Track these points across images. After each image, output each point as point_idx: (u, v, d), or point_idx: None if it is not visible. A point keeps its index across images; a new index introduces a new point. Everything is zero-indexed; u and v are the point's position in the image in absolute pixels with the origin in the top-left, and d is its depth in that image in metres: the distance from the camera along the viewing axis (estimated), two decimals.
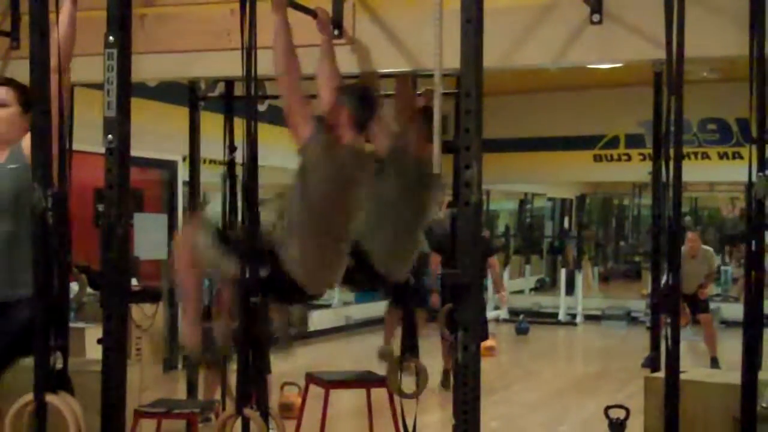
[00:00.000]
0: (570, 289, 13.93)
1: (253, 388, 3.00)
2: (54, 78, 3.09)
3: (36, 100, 2.78)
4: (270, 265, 3.27)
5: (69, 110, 3.50)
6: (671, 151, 3.26)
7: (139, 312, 7.84)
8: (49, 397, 2.70)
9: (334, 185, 3.30)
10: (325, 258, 3.38)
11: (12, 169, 3.31)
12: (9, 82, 3.54)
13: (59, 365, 2.73)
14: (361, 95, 3.40)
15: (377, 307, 13.00)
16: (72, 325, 4.81)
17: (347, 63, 3.79)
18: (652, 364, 5.02)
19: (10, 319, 3.19)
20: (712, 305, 12.09)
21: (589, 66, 5.62)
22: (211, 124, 5.51)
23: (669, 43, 3.17)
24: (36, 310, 2.75)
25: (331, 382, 5.02)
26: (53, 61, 2.89)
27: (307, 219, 3.28)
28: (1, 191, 3.31)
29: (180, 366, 8.69)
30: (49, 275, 2.75)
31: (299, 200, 3.28)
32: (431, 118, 3.27)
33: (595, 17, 3.46)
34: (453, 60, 2.63)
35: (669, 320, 3.32)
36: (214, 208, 9.94)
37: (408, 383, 4.18)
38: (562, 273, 14.30)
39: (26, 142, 3.21)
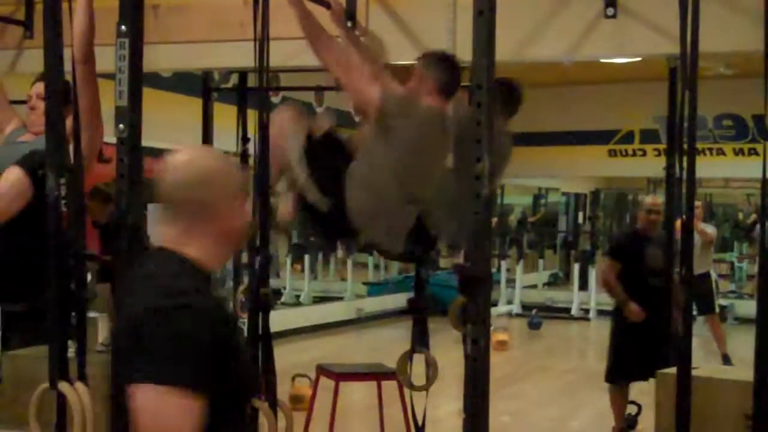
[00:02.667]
0: (583, 283, 13.90)
1: (261, 379, 3.00)
2: (78, 68, 3.12)
3: (48, 89, 2.79)
4: (335, 204, 3.39)
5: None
6: (686, 147, 3.24)
7: None
8: (61, 386, 2.72)
9: (419, 142, 3.37)
10: (389, 212, 3.44)
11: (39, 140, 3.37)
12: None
13: (71, 354, 2.76)
14: (448, 63, 3.42)
15: (389, 300, 13.03)
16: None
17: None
18: (665, 360, 5.00)
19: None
20: (726, 302, 12.06)
21: (603, 60, 5.60)
22: (224, 115, 5.51)
23: (684, 37, 3.15)
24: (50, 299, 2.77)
25: (341, 375, 5.03)
26: (75, 53, 2.93)
27: (385, 172, 3.36)
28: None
29: None
30: (64, 263, 2.76)
31: (379, 155, 3.37)
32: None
33: (610, 11, 3.44)
34: (466, 53, 2.62)
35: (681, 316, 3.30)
36: None
37: (419, 376, 4.18)
38: (576, 267, 14.27)
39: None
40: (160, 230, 1.97)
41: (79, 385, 2.75)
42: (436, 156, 3.47)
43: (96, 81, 3.41)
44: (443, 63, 3.43)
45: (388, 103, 3.32)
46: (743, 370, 3.82)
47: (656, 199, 6.42)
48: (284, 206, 3.64)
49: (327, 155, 3.52)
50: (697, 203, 6.09)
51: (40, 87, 3.63)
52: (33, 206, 3.44)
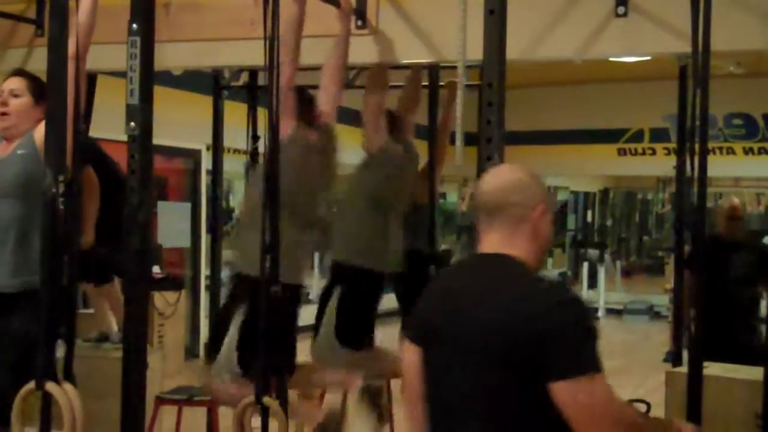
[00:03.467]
0: (592, 282, 13.87)
1: (272, 376, 3.01)
2: (73, 65, 3.11)
3: (52, 85, 2.80)
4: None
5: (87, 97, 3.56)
6: (696, 146, 3.23)
7: (162, 300, 7.88)
8: (49, 386, 2.73)
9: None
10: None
11: (20, 154, 3.33)
12: (21, 73, 3.57)
13: (60, 354, 2.76)
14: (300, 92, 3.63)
15: (393, 300, 13.01)
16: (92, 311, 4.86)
17: (370, 53, 3.78)
18: (673, 358, 4.99)
19: (8, 325, 3.17)
20: None
21: (613, 59, 5.58)
22: (235, 113, 5.52)
23: (695, 36, 3.14)
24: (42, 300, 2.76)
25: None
26: (71, 49, 2.91)
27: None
28: (9, 176, 3.32)
29: (202, 354, 8.74)
30: (57, 262, 2.76)
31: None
32: None
33: (620, 10, 3.43)
34: (477, 52, 2.62)
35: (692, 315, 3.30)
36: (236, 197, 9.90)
37: None
38: (585, 266, 14.24)
39: (39, 131, 3.24)
40: (484, 237, 2.09)
41: (67, 385, 2.76)
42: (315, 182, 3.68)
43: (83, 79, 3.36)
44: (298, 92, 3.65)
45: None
46: (753, 370, 3.81)
47: (736, 201, 5.81)
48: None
49: None
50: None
51: (14, 82, 3.49)
52: None
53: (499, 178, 2.12)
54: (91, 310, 4.92)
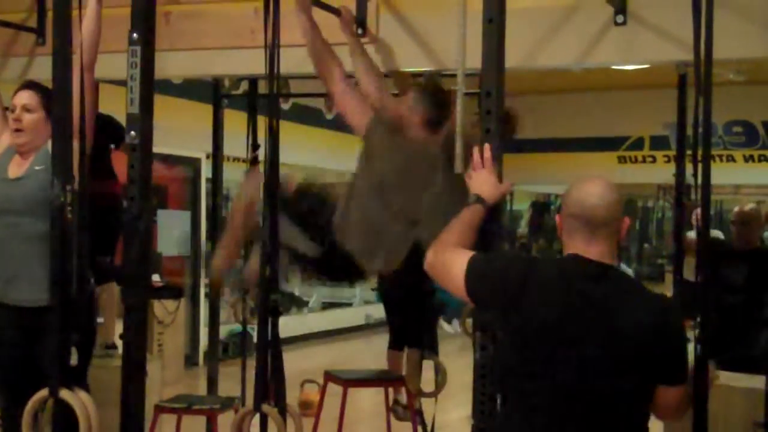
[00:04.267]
0: None
1: (271, 384, 3.01)
2: (87, 76, 3.11)
3: (57, 95, 2.80)
4: (326, 242, 3.45)
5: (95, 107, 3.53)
6: (699, 153, 3.22)
7: (161, 308, 7.88)
8: (63, 393, 2.72)
9: (399, 172, 3.44)
10: (383, 237, 3.47)
11: (38, 170, 3.34)
12: (32, 86, 3.53)
13: (74, 362, 2.76)
14: (438, 98, 3.49)
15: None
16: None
17: None
18: None
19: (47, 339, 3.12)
20: None
21: (613, 67, 5.58)
22: (235, 121, 5.52)
23: (697, 44, 3.14)
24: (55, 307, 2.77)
25: (349, 381, 5.02)
26: (84, 58, 2.92)
27: (370, 198, 3.43)
28: (29, 193, 3.33)
29: (201, 362, 8.73)
30: (67, 271, 2.77)
31: (364, 181, 3.46)
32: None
33: (619, 18, 3.43)
34: (476, 60, 2.62)
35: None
36: None
37: (427, 382, 4.19)
38: None
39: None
40: (585, 246, 2.30)
41: (80, 392, 2.76)
42: (419, 182, 3.50)
43: (94, 90, 3.36)
44: (434, 98, 3.51)
45: (372, 132, 3.43)
46: (755, 378, 3.81)
47: (749, 206, 5.48)
48: (253, 261, 3.59)
49: (302, 207, 3.57)
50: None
51: (26, 97, 3.46)
52: None
53: (608, 194, 2.31)
54: (101, 319, 4.92)
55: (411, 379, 4.22)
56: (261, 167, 3.72)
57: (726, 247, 5.60)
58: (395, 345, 4.99)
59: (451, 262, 2.36)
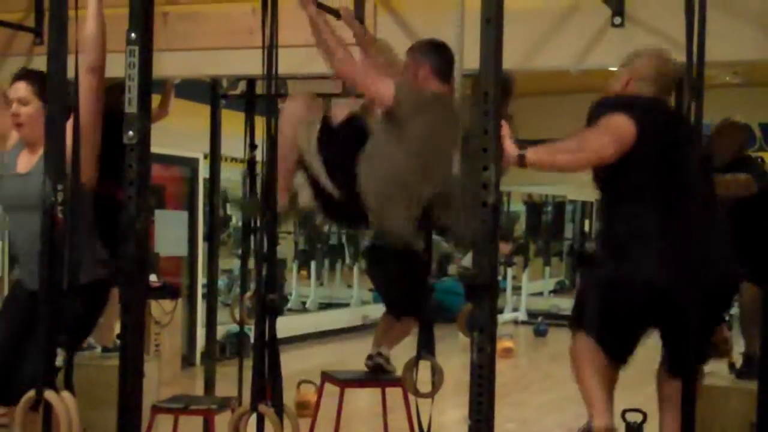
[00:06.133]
0: None
1: (268, 384, 3.01)
2: (88, 78, 3.12)
3: (52, 95, 2.81)
4: (345, 189, 3.50)
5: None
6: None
7: (159, 308, 7.88)
8: (48, 395, 2.73)
9: (433, 130, 3.45)
10: (404, 201, 3.50)
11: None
12: (27, 76, 3.51)
13: (60, 363, 2.77)
14: (440, 47, 3.51)
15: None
16: None
17: None
18: None
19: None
20: (733, 311, 11.99)
21: (611, 69, 5.58)
22: (233, 122, 5.53)
23: (689, 46, 3.15)
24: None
25: (346, 381, 5.03)
26: (86, 59, 2.92)
27: (401, 163, 3.45)
28: (37, 189, 3.33)
29: (198, 362, 8.73)
30: (56, 271, 2.77)
31: (395, 144, 3.45)
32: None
33: (617, 20, 3.45)
34: (474, 61, 2.63)
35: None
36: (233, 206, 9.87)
37: (424, 383, 4.19)
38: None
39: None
40: None
41: (65, 394, 2.76)
42: (448, 143, 3.51)
43: (100, 95, 3.35)
44: (436, 48, 3.52)
45: (402, 97, 3.40)
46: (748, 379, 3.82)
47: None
48: (304, 194, 3.69)
49: (343, 143, 3.59)
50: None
51: (20, 89, 3.45)
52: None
53: None
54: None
55: (406, 378, 4.21)
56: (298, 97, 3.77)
57: None
58: (390, 312, 5.04)
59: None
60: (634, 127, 3.15)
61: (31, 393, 2.75)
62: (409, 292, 4.46)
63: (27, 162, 3.48)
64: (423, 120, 3.42)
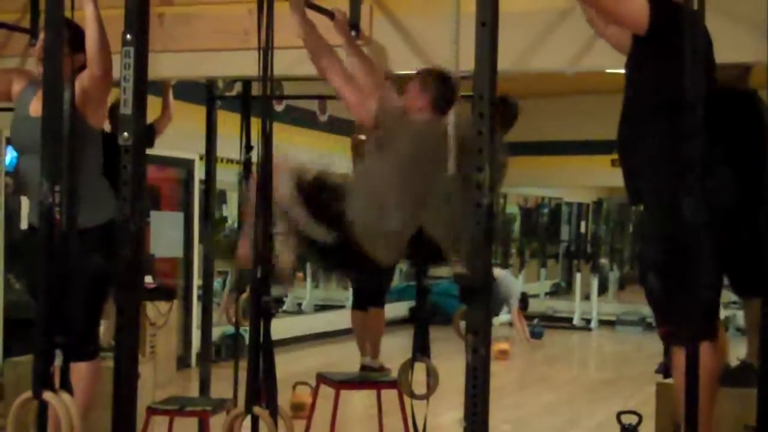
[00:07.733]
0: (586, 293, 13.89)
1: (263, 386, 3.00)
2: (92, 81, 3.13)
3: (47, 94, 2.80)
4: (338, 235, 3.45)
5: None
6: None
7: (154, 310, 7.87)
8: (46, 395, 2.72)
9: (413, 155, 3.44)
10: (395, 226, 3.47)
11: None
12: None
13: (58, 363, 2.76)
14: (443, 82, 3.51)
15: (390, 309, 13.01)
16: None
17: None
18: (665, 370, 5.00)
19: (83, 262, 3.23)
20: (728, 312, 12.03)
21: (606, 71, 5.59)
22: (228, 123, 5.53)
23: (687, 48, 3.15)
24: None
25: (342, 383, 5.03)
26: (91, 69, 2.92)
27: (385, 180, 3.44)
28: None
29: (193, 364, 8.73)
30: (54, 274, 2.76)
31: (378, 167, 3.47)
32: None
33: None
34: (469, 63, 2.63)
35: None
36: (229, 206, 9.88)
37: (419, 384, 4.18)
38: (578, 277, 14.25)
39: (79, 79, 3.30)
40: None
41: (63, 393, 2.75)
42: (432, 166, 3.49)
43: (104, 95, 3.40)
44: (439, 82, 3.52)
45: (382, 118, 3.43)
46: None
47: None
48: (285, 253, 3.62)
49: (319, 194, 3.58)
50: None
51: None
52: None
53: None
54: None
55: (402, 379, 4.21)
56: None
57: None
58: (357, 306, 5.03)
59: None
60: None
61: (28, 394, 2.74)
62: (372, 280, 4.52)
63: (40, 106, 3.51)
64: (402, 141, 3.43)
